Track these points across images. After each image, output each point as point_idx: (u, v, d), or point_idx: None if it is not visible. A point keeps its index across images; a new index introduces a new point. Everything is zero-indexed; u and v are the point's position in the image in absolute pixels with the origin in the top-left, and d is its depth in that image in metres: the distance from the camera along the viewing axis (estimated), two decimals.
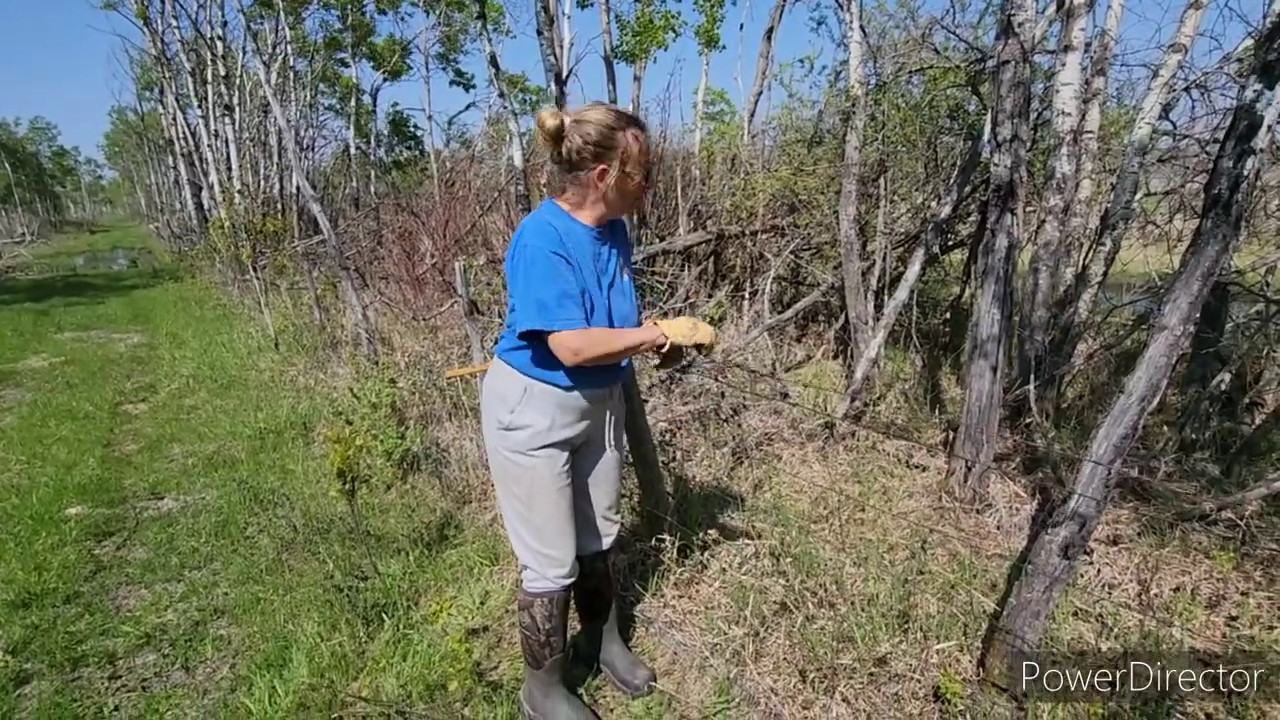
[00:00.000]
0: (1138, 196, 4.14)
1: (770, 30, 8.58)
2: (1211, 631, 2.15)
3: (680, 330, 1.63)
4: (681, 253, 6.26)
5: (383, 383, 3.74)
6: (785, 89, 7.45)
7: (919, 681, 1.93)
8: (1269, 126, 1.67)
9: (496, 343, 1.80)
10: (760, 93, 8.60)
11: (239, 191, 12.52)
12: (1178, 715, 1.76)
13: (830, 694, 1.90)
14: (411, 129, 20.39)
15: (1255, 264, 3.33)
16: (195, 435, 4.39)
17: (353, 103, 17.09)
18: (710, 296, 5.83)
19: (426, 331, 5.27)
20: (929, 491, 3.11)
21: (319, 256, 8.37)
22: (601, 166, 1.55)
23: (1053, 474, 3.00)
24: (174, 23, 13.72)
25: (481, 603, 2.43)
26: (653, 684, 2.00)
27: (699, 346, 1.66)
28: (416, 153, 19.66)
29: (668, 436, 3.43)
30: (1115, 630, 2.11)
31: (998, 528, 2.81)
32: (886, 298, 4.57)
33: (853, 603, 2.18)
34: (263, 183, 14.45)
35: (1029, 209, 4.74)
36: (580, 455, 1.80)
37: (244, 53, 14.08)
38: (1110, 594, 2.32)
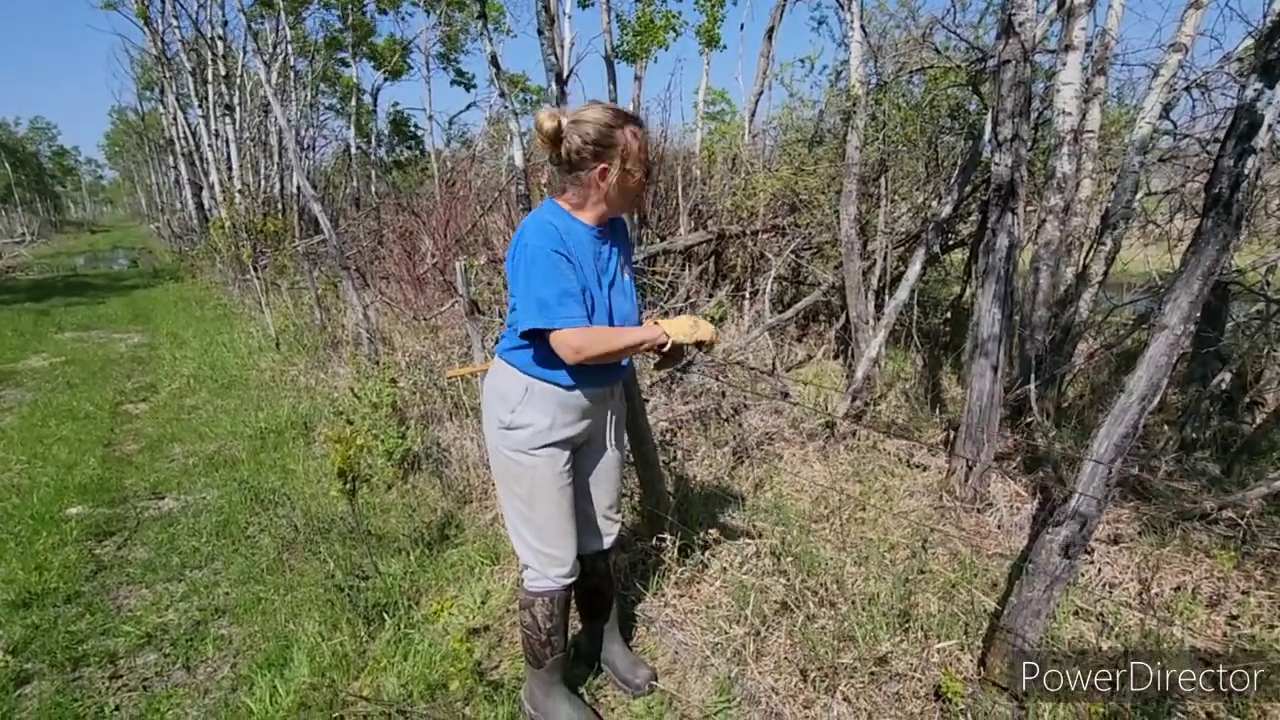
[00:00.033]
0: (1138, 196, 4.14)
1: (771, 30, 8.58)
2: (1212, 631, 2.15)
3: (681, 328, 1.63)
4: (682, 252, 6.26)
5: (383, 382, 3.74)
6: (786, 88, 7.48)
7: (920, 680, 1.93)
8: (1269, 125, 1.67)
9: (497, 342, 1.80)
10: (761, 92, 8.61)
11: (239, 191, 12.53)
12: (1179, 714, 1.76)
13: (831, 693, 1.90)
14: (412, 129, 20.40)
15: (1256, 263, 3.34)
16: (196, 435, 4.39)
17: (353, 102, 17.09)
18: (711, 296, 5.83)
19: (427, 331, 5.27)
20: (930, 491, 3.11)
21: (320, 256, 8.37)
22: (602, 165, 1.55)
23: (1053, 473, 3.00)
24: (174, 22, 13.73)
25: (482, 602, 2.43)
26: (654, 683, 2.00)
27: (699, 344, 1.66)
28: (417, 152, 19.66)
29: (668, 436, 3.43)
30: (1116, 629, 2.11)
31: (998, 527, 2.81)
32: (887, 297, 4.57)
33: (854, 602, 2.18)
34: (263, 182, 14.45)
35: (1029, 208, 4.74)
36: (581, 454, 1.81)
37: (244, 52, 14.09)
38: (1111, 593, 2.32)
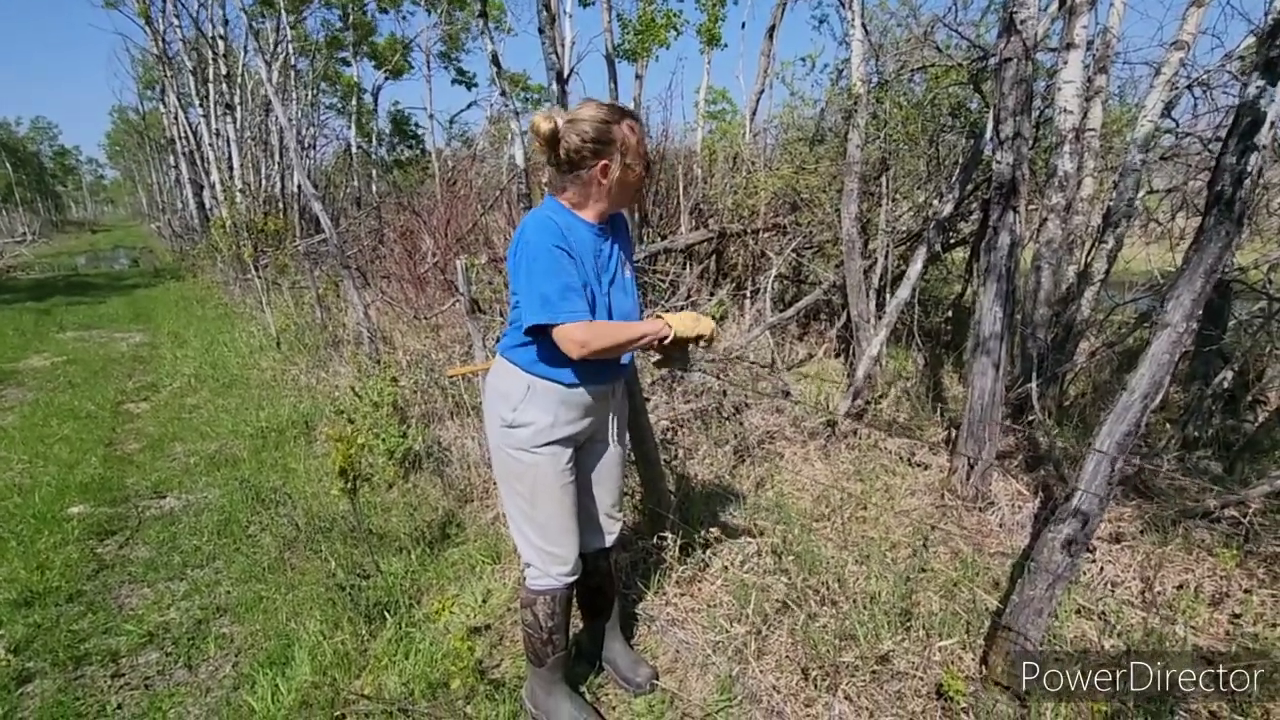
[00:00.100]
0: (1140, 194, 4.13)
1: (772, 28, 8.58)
2: (1215, 629, 2.14)
3: (684, 322, 1.63)
4: (683, 251, 6.26)
5: (384, 381, 3.74)
6: (787, 87, 7.48)
7: (921, 679, 1.93)
8: (1272, 123, 1.66)
9: (498, 341, 1.80)
10: (762, 91, 8.60)
11: (240, 190, 12.54)
12: (1181, 714, 1.75)
13: (832, 692, 1.89)
14: (413, 128, 20.42)
15: (1258, 261, 3.32)
16: (197, 434, 4.40)
17: (354, 102, 17.11)
18: (712, 295, 5.83)
19: (428, 330, 5.27)
20: (931, 489, 3.11)
21: (320, 255, 8.37)
22: (603, 162, 1.55)
23: (1055, 472, 2.99)
24: (175, 21, 13.73)
25: (483, 601, 2.43)
26: (655, 682, 2.00)
27: (699, 339, 1.66)
28: (418, 152, 19.67)
29: (670, 435, 3.43)
30: (1118, 628, 2.10)
31: (1000, 525, 2.81)
32: (888, 296, 4.57)
33: (855, 600, 2.18)
34: (264, 182, 14.46)
35: (1031, 207, 4.74)
36: (584, 452, 1.81)
37: (245, 52, 14.09)
38: (1113, 592, 2.32)
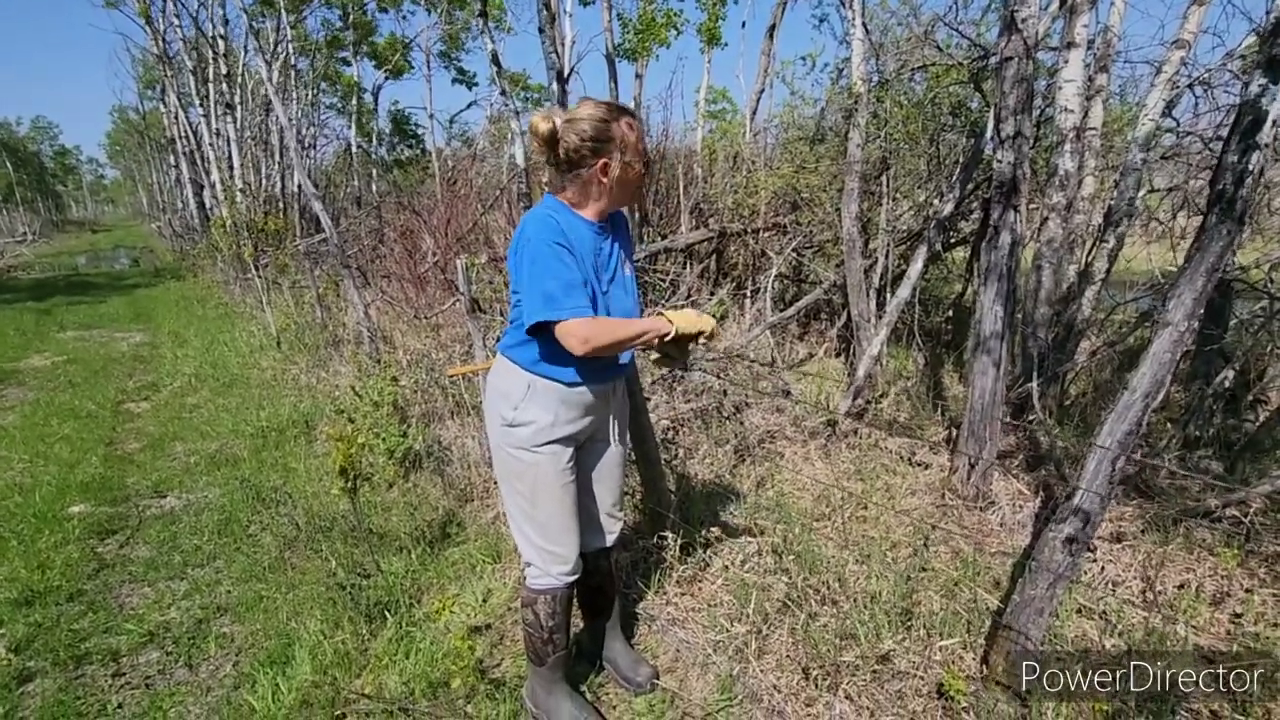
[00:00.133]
0: (1141, 193, 4.13)
1: (772, 28, 8.57)
2: (1216, 629, 2.14)
3: (685, 319, 1.63)
4: (683, 251, 6.26)
5: (385, 381, 3.74)
6: (787, 86, 7.47)
7: (922, 679, 1.92)
8: (1274, 121, 1.66)
9: (498, 340, 1.79)
10: (762, 90, 8.60)
11: (240, 190, 12.54)
12: (1182, 713, 1.75)
13: (833, 691, 1.89)
14: (413, 127, 20.42)
15: (1259, 260, 3.31)
16: (197, 434, 4.40)
17: (354, 101, 17.11)
18: (712, 294, 5.82)
19: (428, 330, 5.27)
20: (932, 489, 3.11)
21: (321, 255, 8.37)
22: (602, 161, 1.54)
23: (1056, 471, 2.99)
24: (176, 21, 13.73)
25: (484, 600, 2.43)
26: (655, 681, 2.00)
27: (700, 334, 1.66)
28: (418, 151, 19.68)
29: (670, 434, 3.43)
30: (1119, 627, 2.10)
31: (1001, 525, 2.81)
32: (889, 295, 4.57)
33: (855, 600, 2.18)
34: (264, 181, 14.46)
35: (1032, 206, 4.73)
36: (584, 451, 1.81)
37: (245, 51, 14.09)
38: (1114, 591, 2.31)
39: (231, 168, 12.83)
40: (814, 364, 5.32)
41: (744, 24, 29.47)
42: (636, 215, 6.13)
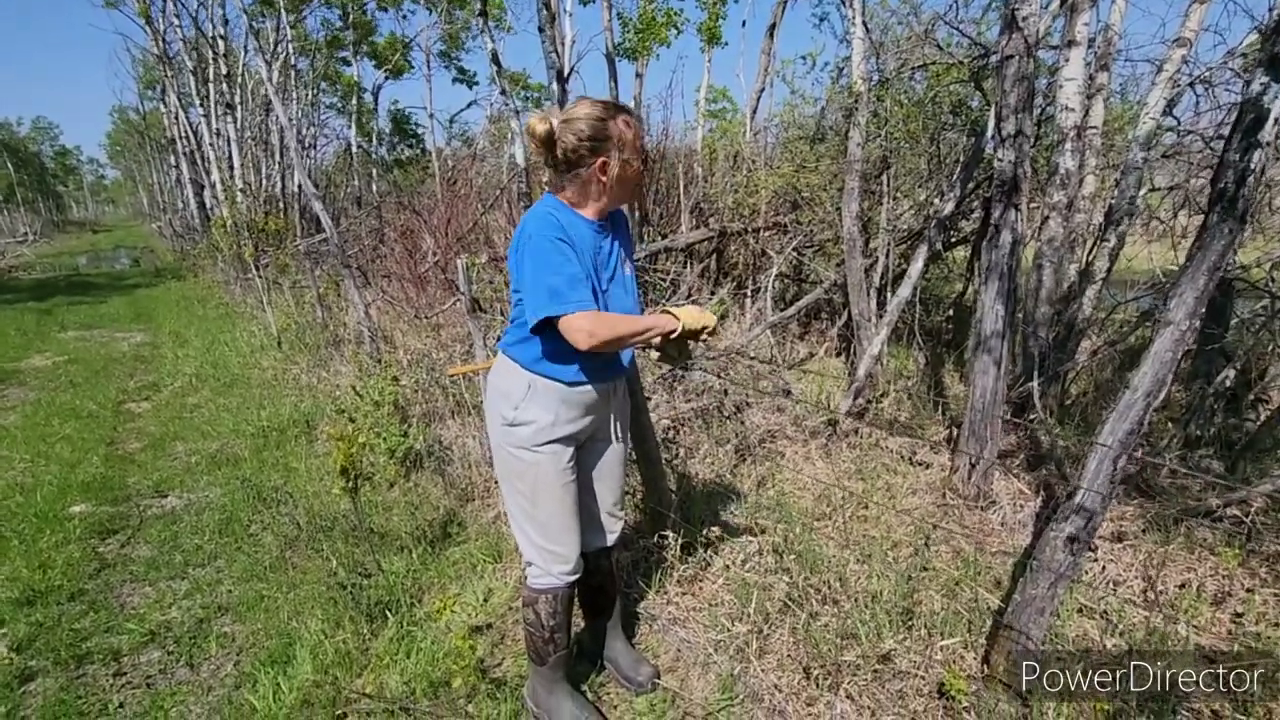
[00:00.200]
0: (1142, 192, 4.13)
1: (773, 27, 8.56)
2: (1217, 628, 2.14)
3: (690, 315, 1.63)
4: (684, 250, 6.26)
5: (385, 380, 3.74)
6: (788, 86, 7.46)
7: (923, 678, 1.92)
8: (1276, 119, 1.66)
9: (499, 339, 1.79)
10: (762, 89, 8.59)
11: (241, 190, 12.54)
12: (1183, 713, 1.75)
13: (834, 691, 1.89)
14: (413, 127, 20.42)
15: (1260, 259, 3.31)
16: (198, 433, 4.40)
17: (354, 101, 17.11)
18: (713, 294, 5.83)
19: (429, 329, 5.27)
20: (932, 488, 3.11)
21: (321, 255, 8.37)
22: (601, 159, 1.54)
23: (1057, 470, 2.99)
24: (176, 21, 13.73)
25: (485, 600, 2.43)
26: (656, 681, 2.00)
27: (704, 330, 1.66)
28: (418, 151, 19.68)
29: (671, 434, 3.42)
30: (1120, 627, 2.10)
31: (1001, 524, 2.81)
32: (889, 295, 4.57)
33: (856, 599, 2.18)
34: (265, 181, 14.46)
35: (1032, 205, 4.73)
36: (585, 450, 1.80)
37: (245, 51, 14.09)
38: (1115, 590, 2.31)
39: (232, 168, 12.83)
40: (815, 363, 5.32)
41: (744, 23, 29.53)
42: (637, 214, 6.13)
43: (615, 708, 1.96)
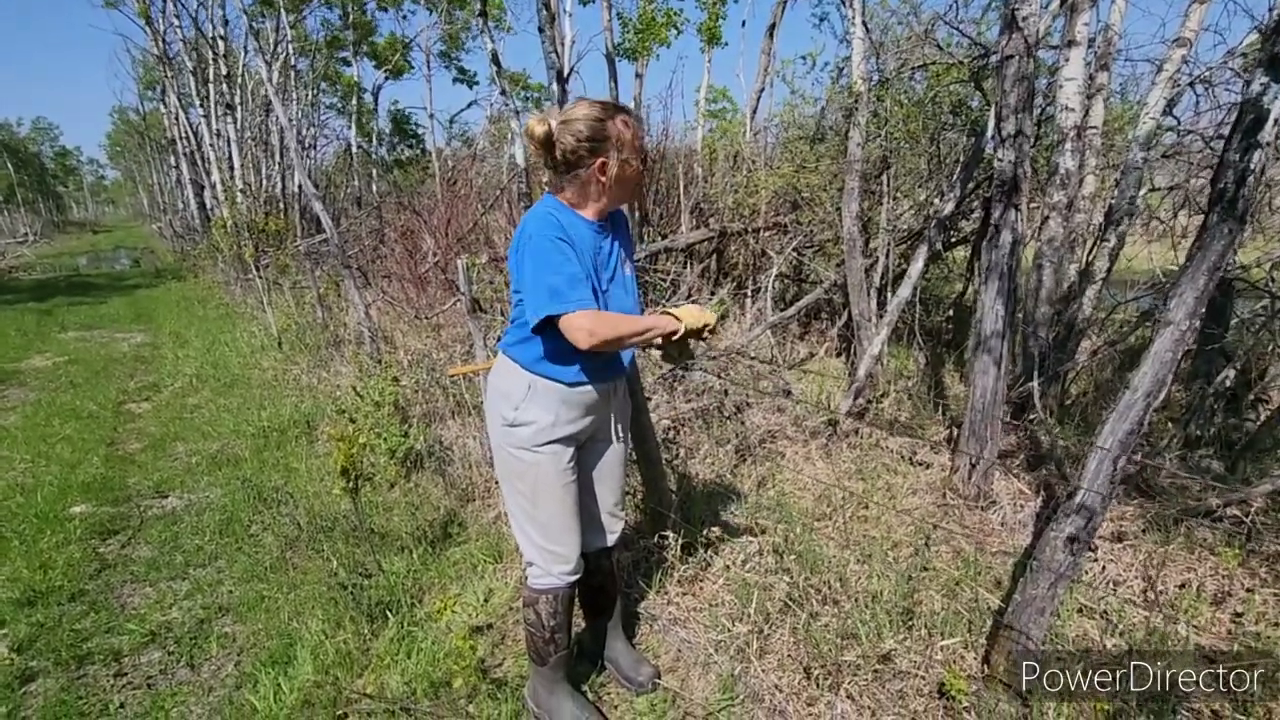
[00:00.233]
0: (1142, 192, 4.13)
1: (773, 27, 8.57)
2: (1217, 628, 2.14)
3: (690, 315, 1.63)
4: (684, 250, 6.26)
5: (386, 381, 3.74)
6: (788, 86, 7.46)
7: (923, 678, 1.92)
8: (1275, 120, 1.66)
9: (499, 339, 1.79)
10: (762, 89, 8.59)
11: (241, 191, 12.54)
12: (1183, 713, 1.75)
13: (835, 691, 1.89)
14: (413, 127, 20.42)
15: (1260, 259, 3.31)
16: (199, 434, 4.40)
17: (354, 101, 17.11)
18: (713, 294, 5.83)
19: (429, 330, 5.28)
20: (933, 488, 3.11)
21: (321, 255, 8.37)
22: (600, 160, 1.54)
23: (1057, 470, 2.99)
24: (176, 22, 13.74)
25: (485, 600, 2.44)
26: (657, 681, 2.00)
27: (705, 328, 1.67)
28: (418, 151, 19.68)
29: (671, 434, 3.43)
30: (1120, 627, 2.10)
31: (1002, 524, 2.81)
32: (889, 295, 4.57)
33: (857, 599, 2.18)
34: (265, 182, 14.47)
35: (1033, 205, 4.73)
36: (585, 450, 1.81)
37: (245, 52, 14.10)
38: (1115, 590, 2.31)
39: (232, 168, 12.83)
40: (815, 363, 5.32)
41: (744, 23, 29.54)
42: (637, 215, 6.14)
43: (616, 708, 1.96)
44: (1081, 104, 3.65)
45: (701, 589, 2.40)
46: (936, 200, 5.26)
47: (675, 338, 1.62)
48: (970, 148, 4.50)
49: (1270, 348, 3.34)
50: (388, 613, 2.32)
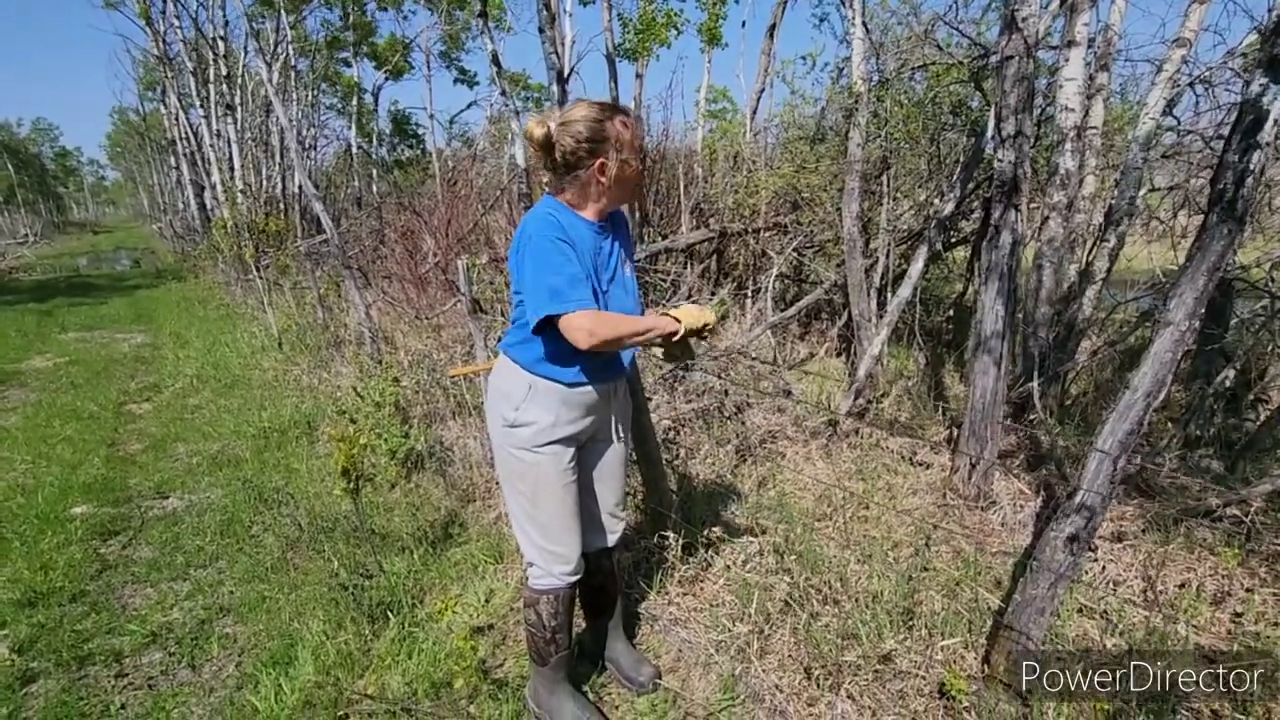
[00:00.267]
0: (1142, 192, 4.13)
1: (773, 27, 8.57)
2: (1217, 628, 2.14)
3: (689, 315, 1.63)
4: (684, 251, 6.26)
5: (386, 381, 3.74)
6: (788, 86, 7.47)
7: (924, 678, 1.93)
8: (1275, 121, 1.66)
9: (499, 340, 1.80)
10: (763, 90, 8.60)
11: (241, 191, 12.55)
12: (1183, 713, 1.75)
13: (835, 691, 1.90)
14: (413, 128, 20.42)
15: (1260, 259, 3.31)
16: (199, 435, 4.40)
17: (354, 102, 17.11)
18: (713, 294, 5.83)
19: (429, 330, 5.28)
20: (933, 488, 3.11)
21: (322, 256, 8.38)
22: (599, 160, 1.55)
23: (1057, 470, 2.99)
24: (176, 22, 13.74)
25: (486, 600, 2.44)
26: (658, 681, 2.00)
27: (705, 327, 1.67)
28: (418, 152, 19.68)
29: (671, 434, 3.43)
30: (1120, 627, 2.10)
31: (1002, 524, 2.81)
32: (889, 295, 4.57)
33: (857, 600, 2.18)
34: (265, 182, 14.48)
35: (1032, 205, 4.73)
36: (586, 451, 1.81)
37: (246, 52, 14.11)
38: (1115, 590, 2.31)
39: (232, 169, 12.84)
40: (815, 364, 5.32)
41: (744, 23, 29.57)
42: (637, 215, 6.14)
43: (617, 708, 1.97)
44: (1081, 104, 3.66)
45: (702, 589, 2.40)
46: (936, 200, 5.26)
47: (675, 338, 1.63)
48: (970, 148, 4.50)
49: (1270, 348, 3.34)
50: (389, 613, 2.32)
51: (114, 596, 2.64)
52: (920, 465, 3.32)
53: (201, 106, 13.75)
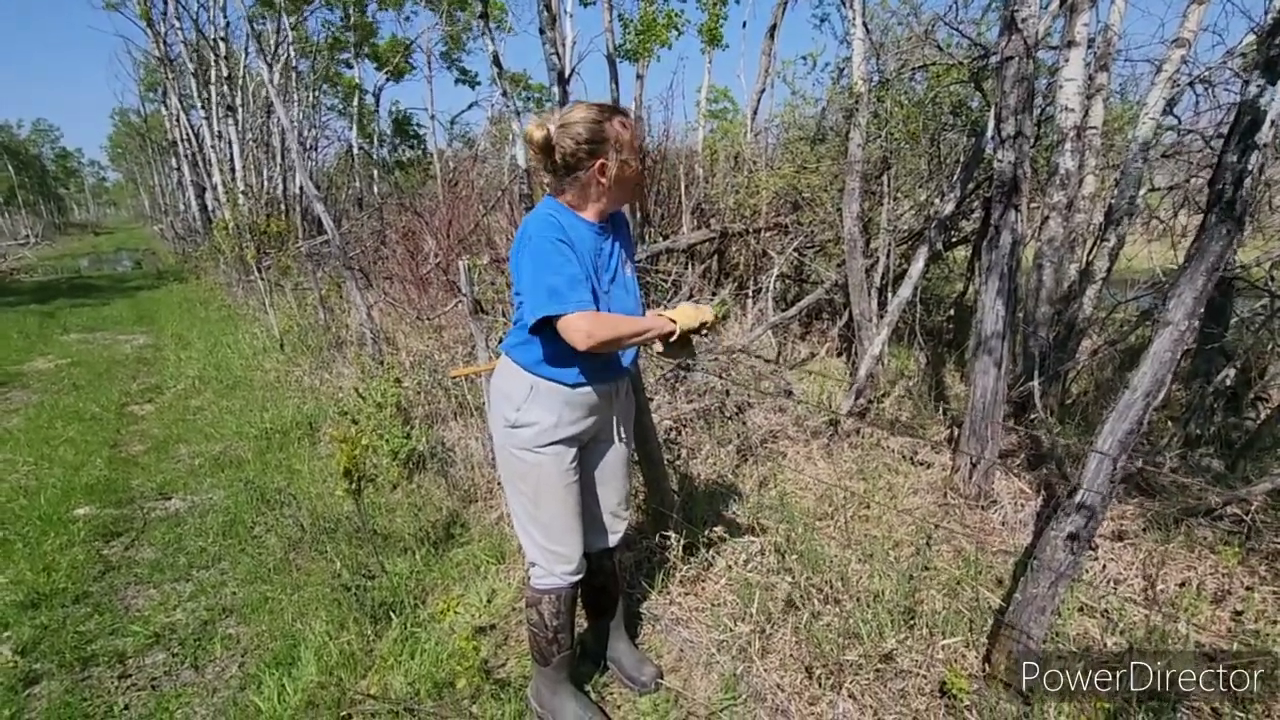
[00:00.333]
0: (1141, 192, 4.13)
1: (773, 28, 8.58)
2: (1217, 627, 2.15)
3: (686, 315, 1.64)
4: (685, 251, 6.27)
5: (388, 382, 3.75)
6: (788, 86, 7.47)
7: (925, 678, 1.93)
8: (1273, 121, 1.67)
9: (501, 341, 1.80)
10: (763, 90, 8.61)
11: (243, 192, 12.56)
12: (1183, 712, 1.76)
13: (836, 690, 1.90)
14: (414, 129, 20.41)
15: (1260, 259, 3.32)
16: (202, 436, 4.41)
17: (355, 103, 17.11)
18: (714, 295, 5.83)
19: (431, 331, 5.28)
20: (934, 488, 3.12)
21: (323, 257, 8.39)
22: (599, 161, 1.56)
23: (1057, 470, 3.00)
24: (176, 24, 13.76)
25: (488, 601, 2.44)
26: (659, 681, 2.01)
27: (703, 326, 1.68)
28: (419, 152, 19.68)
29: (673, 434, 3.44)
30: (1121, 626, 2.11)
31: (1003, 524, 2.82)
32: (890, 295, 4.57)
33: (858, 599, 2.19)
34: (266, 183, 14.49)
35: (1033, 205, 4.74)
36: (588, 451, 1.81)
37: (246, 53, 14.13)
38: (1116, 589, 2.32)
39: (233, 170, 12.85)
40: (816, 363, 5.32)
41: (745, 24, 29.59)
42: (638, 215, 6.15)
43: (619, 708, 1.97)
44: (1081, 104, 3.66)
45: (704, 589, 2.41)
46: (937, 200, 5.27)
47: (673, 338, 1.64)
48: (970, 148, 4.51)
49: (1270, 347, 3.34)
50: (391, 613, 2.33)
51: (117, 597, 2.65)
52: (921, 465, 3.33)
53: (202, 107, 13.76)
